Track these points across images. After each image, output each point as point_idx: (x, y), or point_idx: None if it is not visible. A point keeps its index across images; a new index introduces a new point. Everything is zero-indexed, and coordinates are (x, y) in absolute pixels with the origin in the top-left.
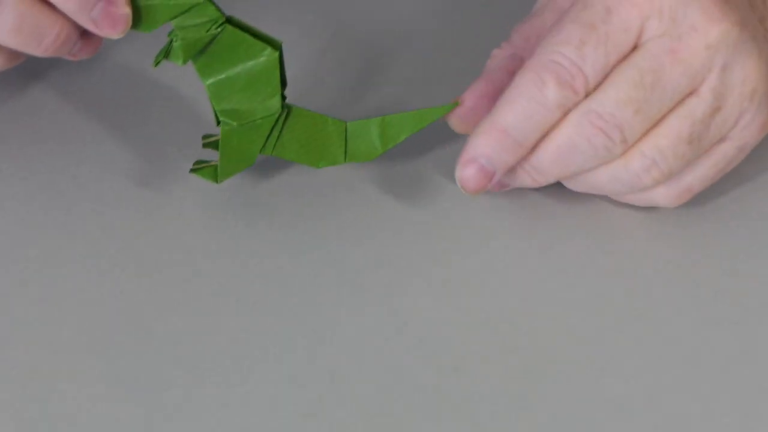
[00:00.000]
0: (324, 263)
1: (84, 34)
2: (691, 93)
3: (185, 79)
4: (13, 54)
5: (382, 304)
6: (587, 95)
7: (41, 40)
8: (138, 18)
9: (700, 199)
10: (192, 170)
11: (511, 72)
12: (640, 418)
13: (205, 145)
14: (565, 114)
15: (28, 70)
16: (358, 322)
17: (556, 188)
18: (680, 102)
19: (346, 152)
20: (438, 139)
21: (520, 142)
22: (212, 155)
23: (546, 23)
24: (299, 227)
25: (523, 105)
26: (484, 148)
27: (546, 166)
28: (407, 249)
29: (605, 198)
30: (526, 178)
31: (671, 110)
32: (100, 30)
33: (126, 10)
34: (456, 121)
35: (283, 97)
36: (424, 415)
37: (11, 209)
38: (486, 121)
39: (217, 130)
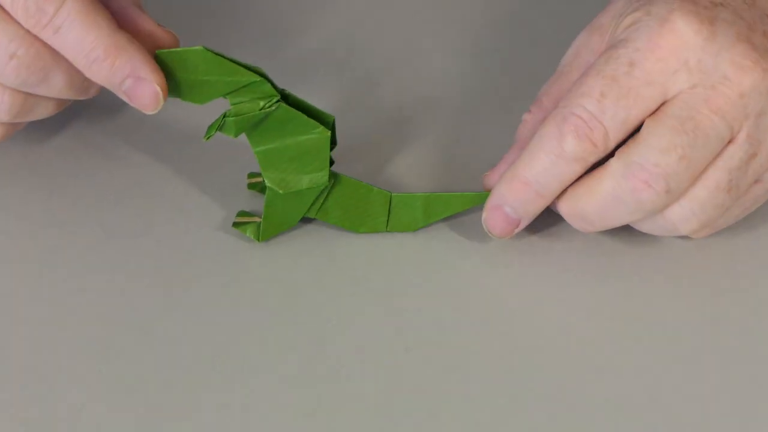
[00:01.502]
0: (325, 263)
1: None
2: (730, 141)
3: None
4: (62, 101)
5: (382, 304)
6: (607, 149)
7: (89, 90)
8: (191, 91)
9: None
10: (235, 225)
11: None
12: (640, 418)
13: (250, 186)
14: (585, 167)
15: None
16: (359, 323)
17: None
18: (720, 151)
19: (388, 221)
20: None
21: (541, 193)
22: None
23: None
24: (300, 229)
25: (543, 158)
26: (508, 197)
27: (592, 217)
28: (407, 250)
29: None
30: (575, 224)
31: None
32: (133, 103)
33: (155, 89)
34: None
35: (331, 162)
36: (424, 415)
37: (11, 209)
38: (510, 170)
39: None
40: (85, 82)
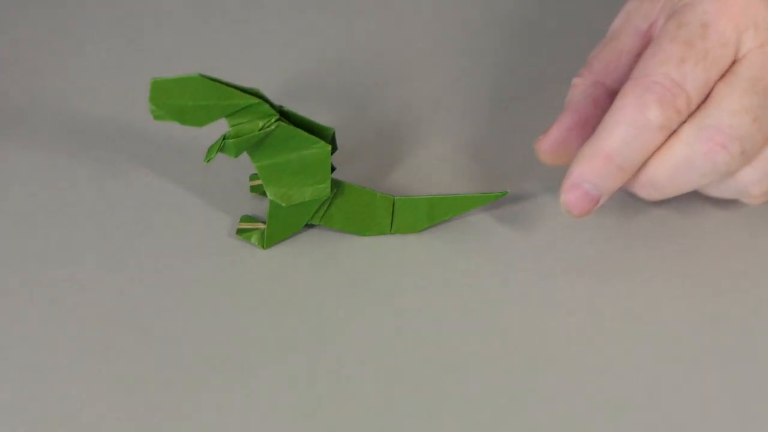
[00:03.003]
0: (326, 263)
1: None
2: None
3: None
4: None
5: (383, 304)
6: (690, 114)
7: None
8: (190, 116)
9: (700, 199)
10: (239, 232)
11: (597, 100)
12: (640, 418)
13: (252, 189)
14: (668, 134)
15: (30, 70)
16: (359, 323)
17: (559, 184)
18: None
19: (392, 224)
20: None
21: (624, 167)
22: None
23: (625, 47)
24: (303, 229)
25: (625, 130)
26: (588, 174)
27: (662, 183)
28: (409, 250)
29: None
30: (642, 193)
31: None
32: None
33: None
34: (546, 155)
35: (333, 167)
36: (424, 415)
37: (12, 209)
38: (588, 146)
39: None
40: None
